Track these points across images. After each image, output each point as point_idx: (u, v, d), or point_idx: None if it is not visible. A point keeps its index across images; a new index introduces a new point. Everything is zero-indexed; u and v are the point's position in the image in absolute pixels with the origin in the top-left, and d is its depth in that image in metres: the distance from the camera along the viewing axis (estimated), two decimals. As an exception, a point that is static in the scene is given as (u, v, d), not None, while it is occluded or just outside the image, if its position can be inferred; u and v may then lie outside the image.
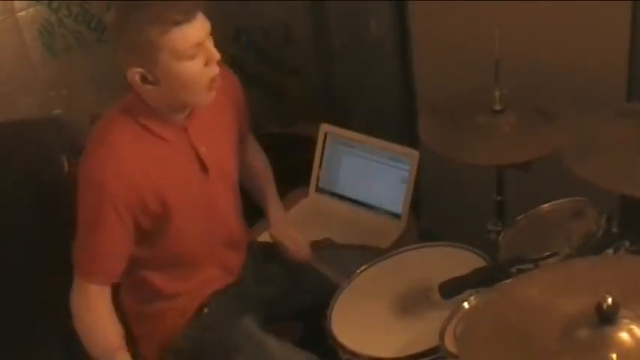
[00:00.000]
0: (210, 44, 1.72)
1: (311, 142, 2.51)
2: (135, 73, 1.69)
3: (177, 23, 1.65)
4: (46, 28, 2.30)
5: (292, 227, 2.13)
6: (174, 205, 1.80)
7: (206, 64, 1.71)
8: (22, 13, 2.24)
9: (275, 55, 2.94)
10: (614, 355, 1.28)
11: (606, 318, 1.31)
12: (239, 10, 2.80)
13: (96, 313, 1.79)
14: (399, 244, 2.20)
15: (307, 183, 2.53)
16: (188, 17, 1.66)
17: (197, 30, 1.68)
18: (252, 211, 2.20)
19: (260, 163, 2.18)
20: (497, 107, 2.13)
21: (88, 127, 2.29)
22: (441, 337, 1.62)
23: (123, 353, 1.78)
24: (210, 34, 1.72)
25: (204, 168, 1.85)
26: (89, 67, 2.41)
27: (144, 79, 1.70)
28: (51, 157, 2.26)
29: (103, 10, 2.41)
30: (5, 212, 2.16)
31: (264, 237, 2.34)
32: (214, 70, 1.73)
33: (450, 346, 1.59)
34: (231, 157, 1.95)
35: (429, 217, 2.76)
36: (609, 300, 1.30)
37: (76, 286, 1.79)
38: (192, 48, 1.68)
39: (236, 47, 2.85)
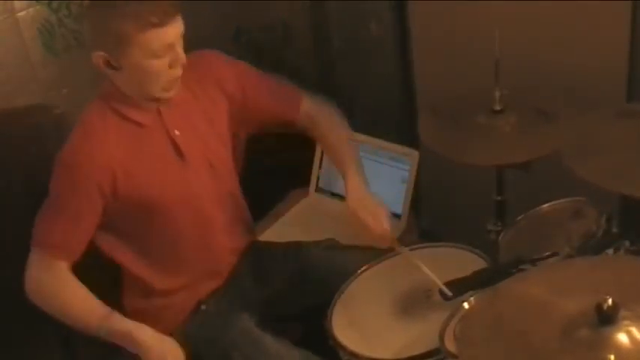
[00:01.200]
0: (179, 47, 1.74)
1: (311, 142, 2.51)
2: (99, 57, 1.73)
3: (154, 25, 1.68)
4: (46, 28, 2.30)
5: (369, 201, 1.94)
6: (151, 190, 1.82)
7: (171, 66, 1.75)
8: (22, 13, 2.24)
9: (275, 55, 2.94)
10: (612, 357, 1.28)
11: (606, 318, 1.31)
12: (239, 10, 2.80)
13: (71, 288, 1.82)
14: (399, 244, 2.19)
15: (307, 183, 2.53)
16: (165, 20, 1.69)
17: (171, 32, 1.71)
18: (253, 212, 2.19)
19: (331, 130, 2.10)
20: (497, 107, 2.13)
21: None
22: (441, 337, 1.62)
23: (116, 316, 1.80)
24: (182, 36, 1.74)
25: (179, 152, 1.86)
26: (89, 67, 2.39)
27: (107, 63, 1.74)
28: (51, 157, 2.26)
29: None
30: (5, 212, 2.16)
31: (265, 236, 2.34)
32: (177, 72, 1.77)
33: (450, 346, 1.59)
34: (218, 144, 1.95)
35: (429, 217, 2.76)
36: (609, 301, 1.30)
37: (37, 260, 1.81)
38: (163, 49, 1.71)
39: (236, 47, 2.84)
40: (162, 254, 1.91)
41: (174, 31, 1.72)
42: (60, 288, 1.82)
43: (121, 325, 1.80)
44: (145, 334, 1.80)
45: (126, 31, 1.68)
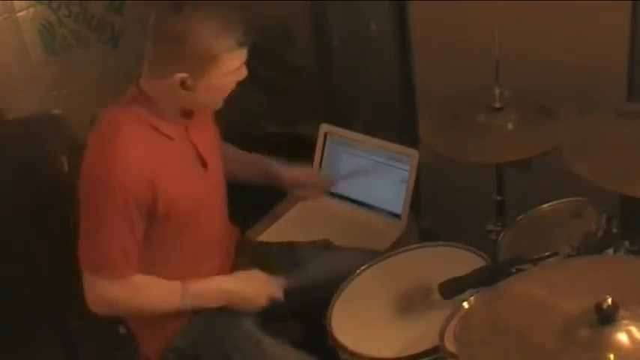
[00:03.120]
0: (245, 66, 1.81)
1: (311, 142, 2.51)
2: (179, 78, 1.73)
3: (240, 44, 1.74)
4: (46, 28, 2.30)
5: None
6: (179, 199, 1.82)
7: (237, 83, 1.81)
8: (22, 13, 2.24)
9: (275, 55, 2.94)
10: (611, 356, 1.28)
11: (606, 318, 1.31)
12: (239, 11, 2.80)
13: (147, 291, 1.85)
14: (399, 244, 2.19)
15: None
16: (246, 40, 1.75)
17: (246, 52, 1.77)
18: (253, 212, 2.20)
19: (240, 153, 2.21)
20: (497, 105, 2.13)
21: (88, 127, 2.29)
22: (441, 337, 1.62)
23: (191, 285, 1.85)
24: None
25: (204, 163, 1.90)
26: (89, 67, 2.41)
27: (183, 84, 1.74)
28: (51, 157, 2.26)
29: (103, 10, 2.41)
30: (5, 212, 2.16)
31: (264, 237, 2.34)
32: (235, 85, 1.82)
33: (450, 346, 1.59)
34: (220, 154, 2.00)
35: (429, 217, 2.76)
36: (609, 300, 1.30)
37: (107, 283, 1.79)
38: (240, 67, 1.77)
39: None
40: (178, 256, 1.91)
41: (247, 50, 1.78)
42: (140, 296, 1.84)
43: (200, 288, 1.87)
44: (227, 282, 1.90)
45: (217, 49, 1.71)
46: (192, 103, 1.82)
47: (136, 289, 1.83)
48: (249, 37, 1.76)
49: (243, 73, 1.80)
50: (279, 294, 1.93)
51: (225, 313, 1.93)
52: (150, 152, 1.78)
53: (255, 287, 1.92)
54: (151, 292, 1.86)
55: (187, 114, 1.85)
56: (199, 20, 1.71)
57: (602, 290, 1.33)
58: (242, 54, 1.76)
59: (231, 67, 1.75)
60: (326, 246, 2.16)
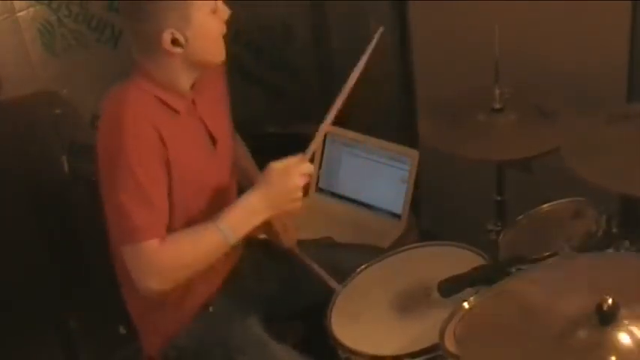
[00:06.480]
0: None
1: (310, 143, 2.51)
2: (168, 35, 1.73)
3: None
4: (46, 28, 2.30)
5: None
6: (187, 175, 1.81)
7: (223, 21, 1.82)
8: (22, 13, 2.24)
9: (275, 55, 2.94)
10: (612, 357, 1.28)
11: (606, 318, 1.31)
12: (239, 10, 2.80)
13: (183, 240, 1.76)
14: (399, 244, 2.19)
15: (307, 183, 2.53)
16: None
17: None
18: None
19: (246, 158, 2.18)
20: (497, 106, 2.14)
21: (88, 127, 2.30)
22: (441, 336, 1.62)
23: (223, 217, 1.76)
24: None
25: (213, 140, 1.90)
26: (89, 67, 2.41)
27: (174, 41, 1.74)
28: (51, 157, 2.26)
29: (103, 10, 2.41)
30: (5, 212, 2.17)
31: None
32: (224, 26, 1.84)
33: (450, 345, 1.59)
34: (231, 133, 2.00)
35: (429, 217, 2.76)
36: (609, 300, 1.30)
37: (152, 250, 1.71)
38: (215, 2, 1.79)
39: (236, 47, 2.85)
40: None
41: None
42: (185, 249, 1.76)
43: (229, 215, 1.77)
44: (249, 194, 1.79)
45: None
46: (192, 60, 1.79)
47: (175, 244, 1.75)
48: None
49: (225, 10, 1.81)
50: (308, 168, 1.89)
51: (230, 314, 1.93)
52: (158, 125, 1.75)
53: (279, 178, 1.82)
54: (191, 238, 1.77)
55: (189, 83, 1.83)
56: None
57: (603, 290, 1.33)
58: None
59: (209, 4, 1.76)
60: (329, 244, 2.16)
